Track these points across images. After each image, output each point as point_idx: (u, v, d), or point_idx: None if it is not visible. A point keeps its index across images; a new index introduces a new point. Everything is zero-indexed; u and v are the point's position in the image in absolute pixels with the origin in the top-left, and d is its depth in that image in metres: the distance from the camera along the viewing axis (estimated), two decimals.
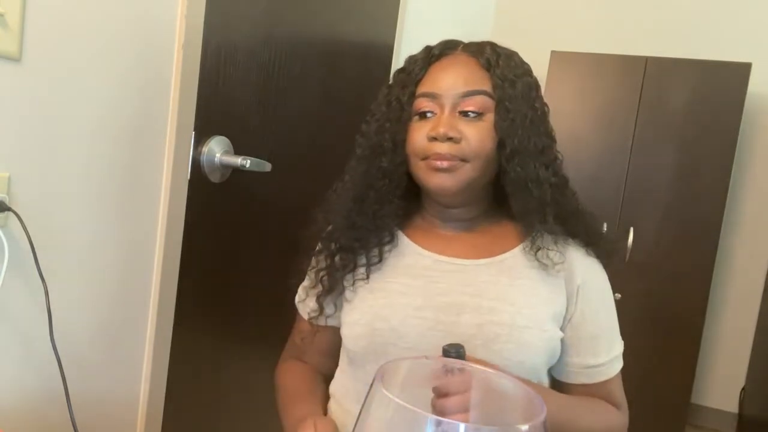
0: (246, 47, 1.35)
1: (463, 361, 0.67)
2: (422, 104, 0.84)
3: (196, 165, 1.25)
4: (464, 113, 0.83)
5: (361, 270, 0.89)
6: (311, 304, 0.94)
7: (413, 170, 0.86)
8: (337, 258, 0.90)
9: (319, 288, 0.92)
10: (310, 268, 0.96)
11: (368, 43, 1.86)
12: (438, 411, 0.65)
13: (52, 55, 0.93)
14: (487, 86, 0.83)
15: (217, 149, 1.29)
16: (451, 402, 0.65)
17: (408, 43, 2.04)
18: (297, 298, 1.00)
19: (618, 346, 0.90)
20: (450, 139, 0.81)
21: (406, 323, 0.83)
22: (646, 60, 2.67)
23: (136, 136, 1.11)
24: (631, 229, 2.68)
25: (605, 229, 2.65)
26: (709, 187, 2.60)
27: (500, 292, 0.83)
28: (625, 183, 2.71)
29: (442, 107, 0.83)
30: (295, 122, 1.56)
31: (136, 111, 1.09)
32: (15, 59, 0.88)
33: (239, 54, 1.33)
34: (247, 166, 1.29)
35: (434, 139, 0.82)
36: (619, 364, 0.90)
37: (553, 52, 2.79)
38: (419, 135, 0.84)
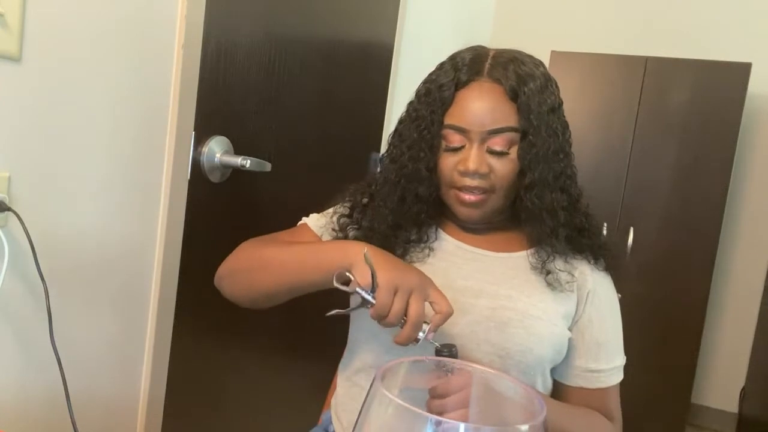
0: (246, 47, 1.35)
1: (462, 361, 0.68)
2: (452, 138, 0.87)
3: (196, 165, 1.25)
4: (492, 150, 0.85)
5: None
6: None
7: (443, 194, 0.90)
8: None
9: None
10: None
11: (368, 43, 1.86)
12: (437, 410, 0.65)
13: (52, 55, 0.93)
14: (512, 120, 0.84)
15: (217, 149, 1.29)
16: (450, 400, 0.66)
17: (408, 43, 2.03)
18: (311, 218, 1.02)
19: (620, 358, 0.92)
20: (478, 173, 0.85)
21: None
22: (646, 60, 2.67)
23: (136, 135, 1.10)
24: (631, 229, 2.68)
25: (605, 229, 2.66)
26: (709, 187, 2.60)
27: (517, 284, 0.88)
28: (625, 183, 2.71)
29: (470, 141, 0.85)
30: (295, 122, 1.56)
31: (136, 111, 1.09)
32: (15, 59, 0.88)
33: (239, 54, 1.33)
34: (247, 166, 1.29)
35: (464, 173, 0.85)
36: (618, 377, 0.92)
37: (553, 52, 2.79)
38: (449, 165, 0.87)
